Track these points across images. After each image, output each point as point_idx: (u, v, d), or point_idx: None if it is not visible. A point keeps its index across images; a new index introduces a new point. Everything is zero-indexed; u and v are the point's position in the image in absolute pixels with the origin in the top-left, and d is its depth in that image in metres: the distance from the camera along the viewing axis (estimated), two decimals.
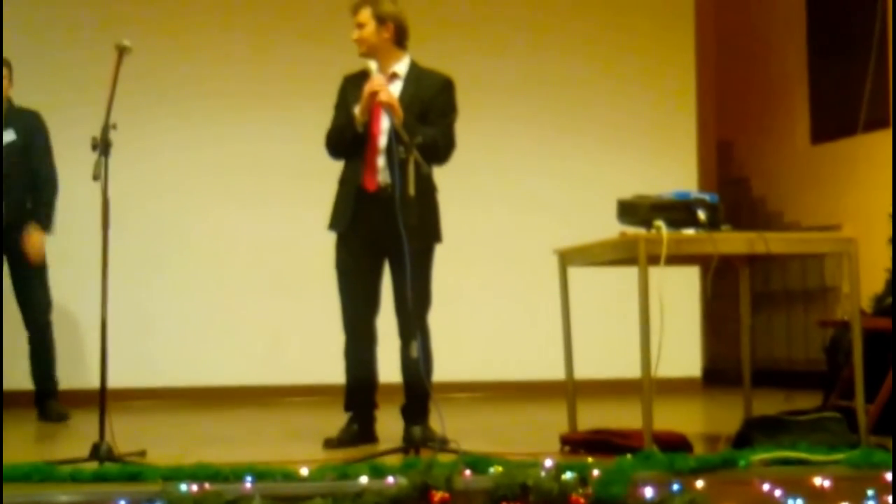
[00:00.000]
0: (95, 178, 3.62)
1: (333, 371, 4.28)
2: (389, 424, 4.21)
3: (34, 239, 5.28)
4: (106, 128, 3.67)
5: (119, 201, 3.81)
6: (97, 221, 3.70)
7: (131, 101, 3.96)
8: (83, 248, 5.40)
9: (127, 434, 3.72)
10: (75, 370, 5.86)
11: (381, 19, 4.12)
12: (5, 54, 5.45)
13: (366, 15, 4.12)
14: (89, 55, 5.96)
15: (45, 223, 5.34)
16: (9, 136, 5.28)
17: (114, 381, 3.73)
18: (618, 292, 5.07)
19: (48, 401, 5.36)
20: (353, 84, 4.16)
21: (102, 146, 3.65)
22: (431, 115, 4.11)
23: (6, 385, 5.75)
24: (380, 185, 4.05)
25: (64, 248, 6.04)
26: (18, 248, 5.26)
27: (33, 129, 5.35)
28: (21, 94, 5.92)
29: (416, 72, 4.19)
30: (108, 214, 3.69)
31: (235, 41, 6.62)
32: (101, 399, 3.61)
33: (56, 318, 5.52)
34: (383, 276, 4.20)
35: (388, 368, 4.17)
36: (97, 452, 3.50)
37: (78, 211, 5.50)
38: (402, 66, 4.17)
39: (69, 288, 6.06)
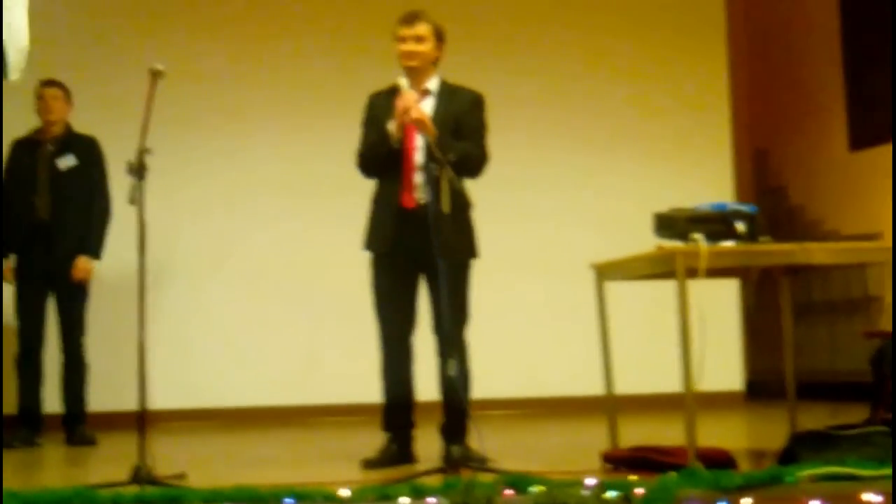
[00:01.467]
0: (132, 201, 3.64)
1: (370, 390, 4.26)
2: (427, 444, 4.19)
3: (83, 264, 5.35)
4: (141, 152, 3.70)
5: (156, 224, 3.81)
6: (135, 244, 3.73)
7: (167, 125, 3.98)
8: (121, 271, 5.46)
9: (166, 456, 3.72)
10: (112, 393, 5.89)
11: (439, 36, 4.14)
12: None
13: (426, 29, 4.10)
14: (125, 80, 6.02)
15: (96, 250, 5.42)
16: (69, 160, 5.36)
17: (152, 403, 3.74)
18: (655, 305, 5.03)
19: (77, 425, 5.40)
20: (382, 101, 4.15)
21: (138, 170, 3.68)
22: (464, 130, 4.10)
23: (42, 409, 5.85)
24: (418, 203, 4.03)
25: (102, 270, 6.09)
26: (66, 272, 5.32)
27: (91, 156, 5.44)
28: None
29: (446, 88, 4.19)
30: (145, 238, 3.71)
31: (267, 64, 6.65)
32: (141, 422, 3.62)
33: (93, 340, 5.57)
34: (420, 294, 4.18)
35: (425, 387, 4.16)
36: (138, 475, 3.51)
37: (116, 234, 5.54)
38: (433, 83, 4.17)
39: (107, 310, 6.11)
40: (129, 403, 4.34)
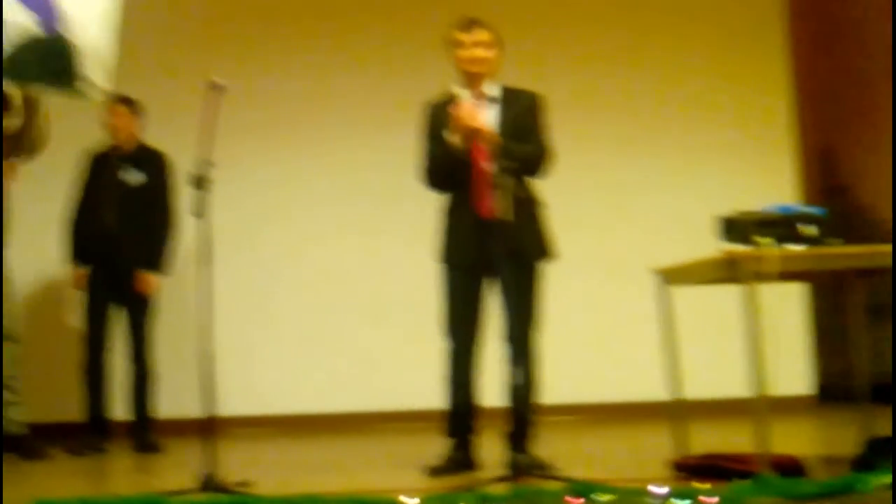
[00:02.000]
0: (195, 213, 3.69)
1: (433, 396, 4.26)
2: (489, 450, 4.17)
3: (148, 279, 5.46)
4: (204, 165, 3.75)
5: (220, 235, 3.86)
6: (200, 255, 3.77)
7: (228, 138, 4.02)
8: (186, 281, 5.53)
9: (232, 463, 3.75)
10: (178, 400, 5.96)
11: (500, 42, 4.13)
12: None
13: (487, 34, 4.11)
14: (186, 94, 6.08)
15: (161, 266, 5.53)
16: (137, 176, 5.48)
17: (218, 410, 3.77)
18: (721, 309, 4.95)
19: (144, 433, 5.49)
20: (443, 110, 4.15)
21: (201, 183, 3.73)
22: (528, 132, 4.09)
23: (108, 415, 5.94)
24: (492, 211, 4.01)
25: (168, 280, 6.18)
26: (131, 284, 5.44)
27: (159, 171, 5.54)
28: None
29: (507, 93, 4.17)
30: (210, 249, 3.75)
31: (326, 75, 6.67)
32: (209, 429, 3.65)
33: (160, 348, 5.66)
34: (490, 300, 4.17)
35: (487, 392, 4.16)
36: (206, 483, 3.55)
37: (181, 244, 5.62)
38: (495, 90, 4.16)
39: (174, 319, 6.20)
40: (194, 411, 4.40)
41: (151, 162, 5.54)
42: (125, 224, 5.40)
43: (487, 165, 3.99)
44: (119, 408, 5.65)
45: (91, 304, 5.50)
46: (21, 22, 3.95)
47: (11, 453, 4.98)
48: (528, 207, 3.98)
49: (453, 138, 4.00)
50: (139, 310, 5.52)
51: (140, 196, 5.46)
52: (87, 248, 5.47)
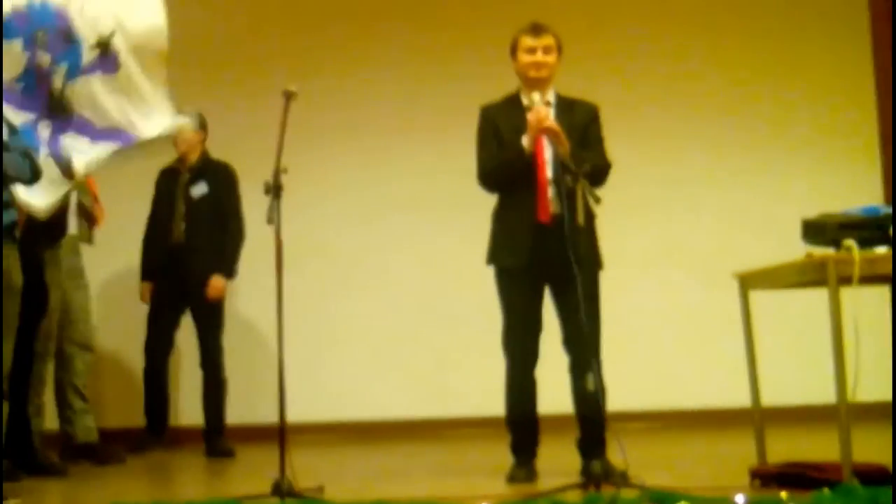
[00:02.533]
0: (269, 221, 3.71)
1: (502, 402, 4.21)
2: (554, 458, 4.12)
3: (216, 282, 5.55)
4: (277, 172, 3.76)
5: (289, 241, 3.87)
6: (271, 261, 3.79)
7: (299, 144, 4.03)
8: (258, 288, 5.57)
9: (303, 469, 3.76)
10: (248, 406, 6.02)
11: (560, 49, 4.12)
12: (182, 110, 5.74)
13: (552, 40, 4.10)
14: (256, 102, 6.15)
15: (229, 269, 5.63)
16: (202, 188, 5.61)
17: (289, 416, 3.77)
18: (803, 312, 4.85)
19: (216, 438, 5.58)
20: (501, 114, 4.13)
21: (275, 190, 3.75)
22: (586, 142, 4.07)
23: (176, 422, 6.05)
24: (552, 216, 3.97)
25: (239, 287, 6.24)
26: (201, 293, 5.53)
27: (224, 182, 5.65)
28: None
29: (564, 101, 4.15)
30: (282, 256, 3.77)
31: (392, 79, 6.68)
32: (281, 435, 3.67)
33: (231, 355, 5.73)
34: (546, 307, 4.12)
35: (550, 400, 4.12)
36: (279, 488, 3.55)
37: (252, 251, 5.66)
38: (551, 96, 4.13)
39: (244, 326, 6.26)
40: (266, 417, 4.44)
41: (216, 173, 5.66)
42: (193, 235, 5.55)
43: (550, 171, 3.96)
44: (191, 414, 5.73)
45: (154, 314, 5.66)
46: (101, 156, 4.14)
47: (86, 460, 5.05)
48: (588, 214, 3.93)
49: (525, 141, 3.96)
50: (209, 318, 5.62)
51: (204, 207, 5.59)
52: (158, 260, 5.62)
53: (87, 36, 4.27)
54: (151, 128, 4.30)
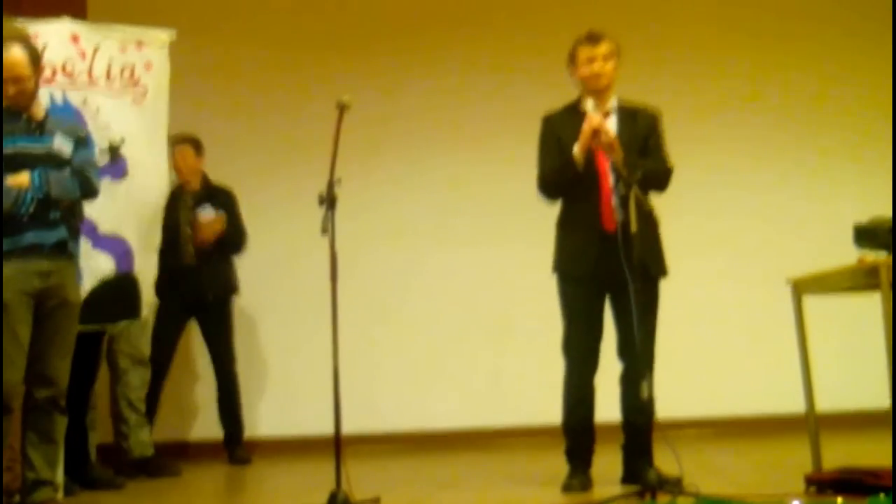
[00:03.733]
0: (324, 231, 3.75)
1: (556, 411, 4.22)
2: (608, 466, 4.12)
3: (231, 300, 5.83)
4: (331, 183, 3.81)
5: (342, 251, 3.91)
6: (322, 272, 3.83)
7: (349, 153, 4.08)
8: (306, 300, 5.63)
9: (358, 481, 3.79)
10: (308, 418, 6.07)
11: (618, 55, 4.11)
12: (231, 124, 5.86)
13: (610, 47, 4.09)
14: (307, 113, 6.23)
15: (237, 285, 5.87)
16: (209, 212, 5.72)
17: (344, 428, 3.81)
18: (856, 317, 4.79)
19: (235, 446, 5.72)
20: (561, 123, 4.13)
21: (329, 201, 3.79)
22: (648, 149, 4.07)
23: (196, 435, 6.16)
24: (617, 225, 3.96)
25: (295, 296, 6.31)
26: (213, 310, 5.74)
27: (227, 206, 5.77)
28: (247, 157, 6.28)
29: (626, 108, 4.13)
30: (337, 266, 3.81)
31: (442, 89, 6.70)
32: (337, 446, 3.70)
33: (279, 367, 5.80)
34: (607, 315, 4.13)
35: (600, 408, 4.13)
36: (335, 500, 3.59)
37: (304, 262, 5.72)
38: (613, 103, 4.12)
39: (292, 338, 6.32)
40: (322, 428, 4.47)
41: (219, 197, 5.77)
42: (202, 256, 5.66)
43: (613, 178, 3.96)
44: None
45: (161, 331, 5.54)
46: (98, 266, 4.31)
47: (142, 474, 5.12)
48: (650, 222, 3.93)
49: (576, 151, 3.98)
50: (220, 332, 5.77)
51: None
52: (171, 280, 5.49)
53: (100, 139, 4.47)
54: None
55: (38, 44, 4.16)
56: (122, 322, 4.93)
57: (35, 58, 3.93)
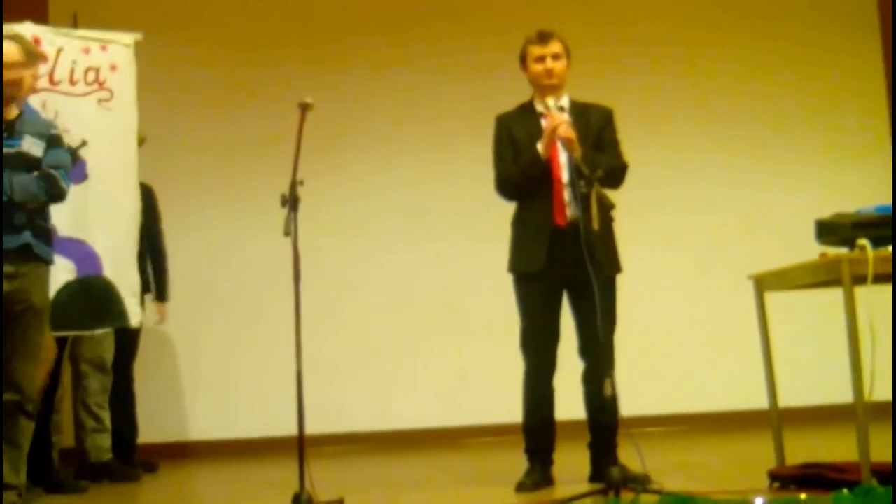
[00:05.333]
0: (286, 233, 3.71)
1: (518, 410, 4.21)
2: (571, 464, 4.13)
3: (158, 310, 5.57)
4: (294, 184, 3.77)
5: (305, 253, 3.88)
6: (286, 272, 3.80)
7: (311, 154, 4.05)
8: (271, 300, 5.59)
9: (323, 481, 3.76)
10: (268, 419, 6.04)
11: (568, 53, 4.13)
12: (194, 124, 5.77)
13: (560, 46, 4.10)
14: (271, 113, 6.19)
15: (165, 292, 5.60)
16: None
17: (307, 429, 3.78)
18: (818, 313, 4.84)
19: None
20: (515, 122, 4.14)
21: (291, 202, 3.76)
22: (602, 145, 4.08)
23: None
24: (569, 221, 3.98)
25: (255, 300, 6.27)
26: None
27: (150, 204, 5.51)
28: (210, 156, 6.21)
29: (578, 105, 4.15)
30: (300, 267, 3.78)
31: (399, 88, 6.70)
32: (300, 447, 3.67)
33: (247, 368, 5.73)
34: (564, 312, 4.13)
35: (562, 406, 4.14)
36: (299, 501, 3.56)
37: (267, 264, 5.69)
38: (565, 101, 4.13)
39: (260, 339, 6.28)
40: (285, 429, 4.44)
41: (144, 196, 5.40)
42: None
43: (565, 175, 3.98)
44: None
45: None
46: (57, 270, 4.31)
47: (103, 479, 5.07)
48: (606, 218, 3.93)
49: (540, 147, 3.98)
50: (131, 339, 5.44)
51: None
52: None
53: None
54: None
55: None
56: (101, 329, 4.83)
57: (29, 51, 3.92)
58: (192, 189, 6.38)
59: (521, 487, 3.97)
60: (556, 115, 3.93)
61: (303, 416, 3.74)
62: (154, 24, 5.66)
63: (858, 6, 6.86)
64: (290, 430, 3.86)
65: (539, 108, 4.11)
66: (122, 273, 4.74)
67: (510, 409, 4.40)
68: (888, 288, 3.72)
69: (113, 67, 4.79)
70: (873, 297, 3.38)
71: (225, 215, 6.47)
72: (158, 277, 5.58)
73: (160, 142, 5.81)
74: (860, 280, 3.33)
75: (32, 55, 3.97)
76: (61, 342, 4.80)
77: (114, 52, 4.81)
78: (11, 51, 3.86)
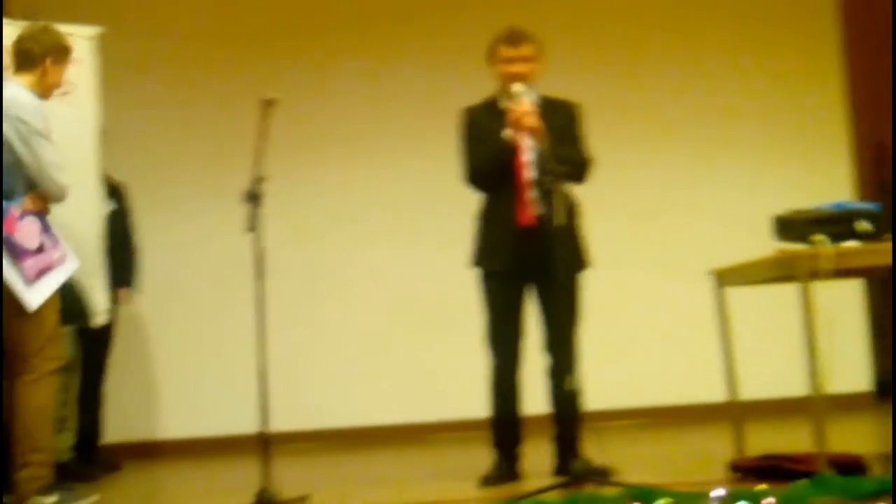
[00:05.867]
0: (249, 229, 3.71)
1: (484, 405, 4.24)
2: (536, 459, 4.16)
3: (126, 293, 5.52)
4: (256, 180, 3.77)
5: (269, 249, 3.88)
6: (251, 271, 3.79)
7: (278, 151, 4.05)
8: (236, 297, 5.57)
9: (287, 478, 3.76)
10: (233, 417, 6.02)
11: (539, 53, 4.12)
12: (159, 120, 5.73)
13: (531, 48, 4.10)
14: (236, 109, 6.17)
15: (132, 281, 5.58)
16: (110, 204, 5.46)
17: (271, 426, 3.78)
18: (777, 307, 4.89)
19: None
20: (481, 116, 4.15)
21: (254, 198, 3.75)
22: (567, 141, 4.08)
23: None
24: (534, 219, 4.00)
25: (220, 297, 6.25)
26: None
27: (126, 199, 5.61)
28: (174, 152, 6.18)
29: (545, 102, 4.16)
30: (263, 264, 3.77)
31: (372, 85, 6.70)
32: (264, 445, 3.67)
33: (212, 365, 5.71)
34: (529, 309, 4.16)
35: (528, 401, 4.17)
36: (262, 499, 3.56)
37: (232, 260, 5.67)
38: (533, 96, 4.14)
39: (226, 337, 6.26)
40: (248, 427, 4.44)
41: (117, 191, 5.58)
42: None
43: (530, 173, 3.99)
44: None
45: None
46: None
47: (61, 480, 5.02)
48: (574, 215, 3.96)
49: (508, 134, 3.98)
50: (105, 331, 5.38)
51: (112, 224, 5.35)
52: None
53: None
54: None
55: None
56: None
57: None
58: (158, 186, 6.33)
59: (485, 482, 3.99)
60: (523, 103, 3.94)
61: (267, 413, 3.73)
62: (118, 18, 5.62)
63: (816, 7, 6.94)
64: (256, 428, 3.86)
65: (505, 103, 4.11)
66: (87, 270, 4.70)
67: (475, 404, 4.43)
68: (845, 283, 3.78)
69: (74, 61, 4.75)
70: (830, 293, 3.43)
71: (191, 212, 6.44)
72: (130, 269, 5.56)
73: (124, 138, 5.77)
74: (816, 275, 3.38)
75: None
76: None
77: (74, 45, 4.76)
78: None
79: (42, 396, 3.95)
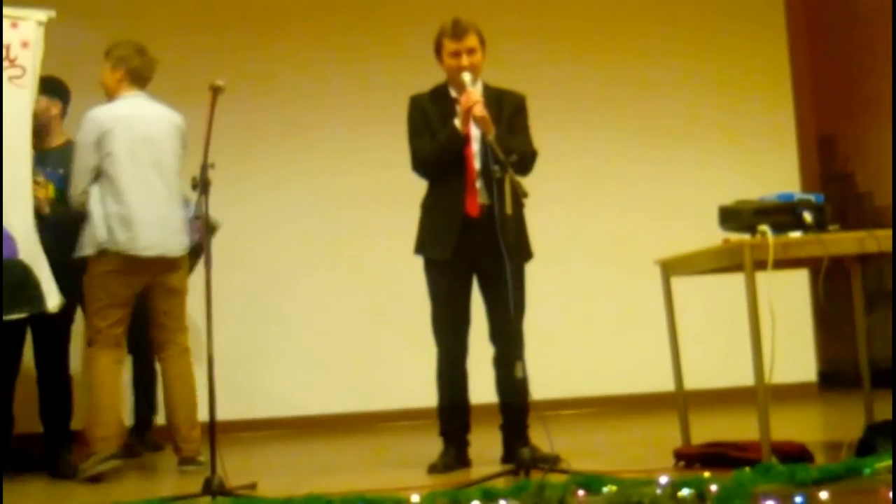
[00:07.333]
0: (197, 217, 3.68)
1: (434, 394, 4.25)
2: (484, 446, 4.18)
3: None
4: (205, 167, 3.74)
5: (222, 238, 3.86)
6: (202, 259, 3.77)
7: (229, 139, 4.02)
8: (190, 285, 5.53)
9: (236, 467, 3.75)
10: None
11: (483, 43, 4.13)
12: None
13: (475, 40, 4.10)
14: (183, 97, 6.10)
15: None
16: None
17: (220, 414, 3.76)
18: (724, 298, 4.96)
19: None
20: (430, 104, 4.16)
21: (202, 185, 3.72)
22: (513, 130, 4.11)
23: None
24: (480, 208, 4.01)
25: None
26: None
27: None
28: None
29: (492, 91, 4.17)
30: (211, 251, 3.75)
31: (324, 76, 6.67)
32: (211, 433, 3.65)
33: None
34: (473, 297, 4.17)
35: (475, 390, 4.19)
36: (210, 487, 3.54)
37: None
38: (479, 86, 4.15)
39: None
40: (199, 415, 4.42)
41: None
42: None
43: (478, 163, 4.01)
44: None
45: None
46: None
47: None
48: (518, 206, 3.97)
49: (458, 122, 4.00)
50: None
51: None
52: None
53: None
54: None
55: None
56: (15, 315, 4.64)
57: None
58: None
59: (433, 469, 4.01)
60: (473, 93, 3.95)
61: (214, 401, 3.71)
62: (70, 2, 5.53)
63: (764, 1, 7.01)
64: (202, 416, 3.84)
65: (453, 93, 4.13)
66: (40, 256, 4.60)
67: (423, 392, 4.44)
68: (789, 273, 3.83)
69: (24, 44, 4.67)
70: (774, 283, 3.48)
71: None
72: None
73: (73, 124, 5.68)
74: (761, 265, 3.43)
75: None
76: (20, 327, 4.64)
77: (25, 28, 4.69)
78: None
79: (189, 367, 4.55)
